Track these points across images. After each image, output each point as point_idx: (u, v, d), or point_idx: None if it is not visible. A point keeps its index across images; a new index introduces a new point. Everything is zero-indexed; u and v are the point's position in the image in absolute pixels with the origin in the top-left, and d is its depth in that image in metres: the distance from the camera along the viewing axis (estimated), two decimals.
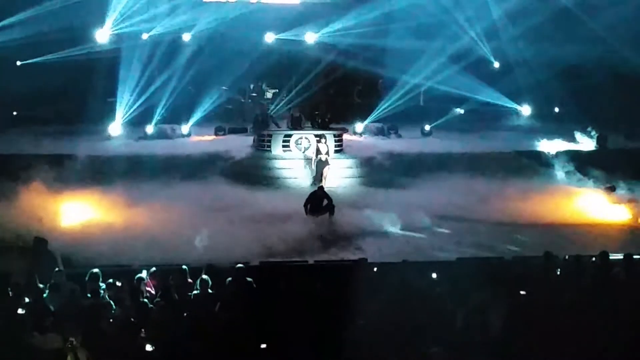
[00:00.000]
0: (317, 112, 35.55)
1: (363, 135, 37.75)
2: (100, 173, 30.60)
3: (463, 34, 39.24)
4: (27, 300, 16.86)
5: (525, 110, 41.01)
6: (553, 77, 37.87)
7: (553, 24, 38.39)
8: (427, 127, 38.87)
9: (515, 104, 40.59)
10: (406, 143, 36.30)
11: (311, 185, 30.22)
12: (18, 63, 37.60)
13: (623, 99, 37.12)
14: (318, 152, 31.13)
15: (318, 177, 30.63)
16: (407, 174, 31.56)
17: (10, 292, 17.06)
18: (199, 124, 37.81)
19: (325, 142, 31.24)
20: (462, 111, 40.51)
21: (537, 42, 38.32)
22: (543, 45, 38.20)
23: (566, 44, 36.83)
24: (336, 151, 33.15)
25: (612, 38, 35.84)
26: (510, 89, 38.92)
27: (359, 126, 38.12)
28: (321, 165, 30.79)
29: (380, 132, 38.24)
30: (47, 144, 33.30)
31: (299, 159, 32.52)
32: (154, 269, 19.08)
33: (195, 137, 36.62)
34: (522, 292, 17.76)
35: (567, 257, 19.87)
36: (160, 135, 36.39)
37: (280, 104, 39.50)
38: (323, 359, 14.23)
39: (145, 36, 38.59)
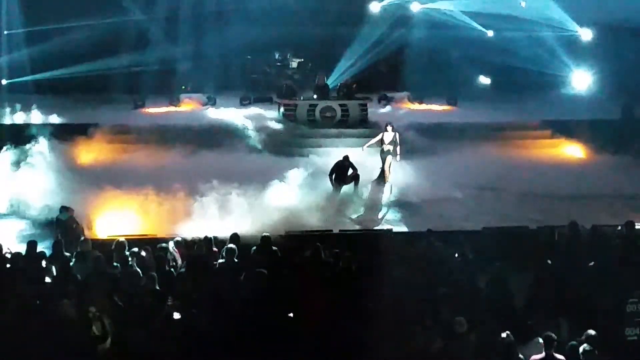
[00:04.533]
0: (342, 82, 35.36)
1: (387, 106, 37.57)
2: (127, 143, 30.81)
3: None
4: (53, 269, 17.02)
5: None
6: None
7: None
8: (453, 96, 38.60)
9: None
10: (431, 113, 36.20)
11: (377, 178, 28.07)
12: None
13: None
14: (382, 141, 27.92)
15: (382, 169, 27.90)
16: (432, 144, 31.34)
17: (37, 261, 17.22)
18: (224, 92, 37.81)
19: (391, 130, 27.92)
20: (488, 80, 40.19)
21: None
22: None
23: None
24: (361, 121, 33.12)
25: None
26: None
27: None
28: (384, 155, 27.79)
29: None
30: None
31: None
32: (178, 238, 19.19)
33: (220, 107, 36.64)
34: (547, 262, 17.76)
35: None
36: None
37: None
38: (348, 328, 14.24)
39: None
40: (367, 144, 28.31)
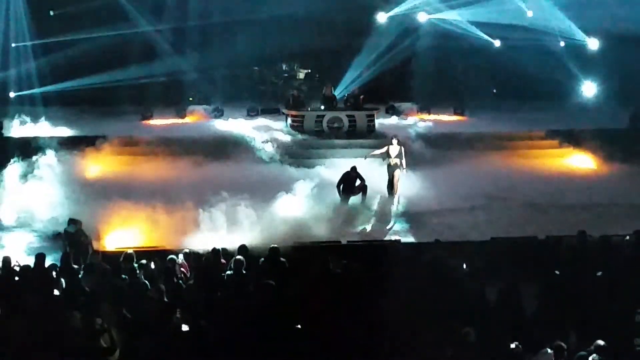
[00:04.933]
0: (349, 93, 35.38)
1: (394, 116, 37.59)
2: (134, 154, 30.88)
3: None
4: (62, 281, 17.03)
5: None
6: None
7: None
8: (460, 106, 38.67)
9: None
10: (439, 123, 36.23)
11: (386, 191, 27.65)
12: None
13: None
14: (388, 155, 27.52)
15: (388, 182, 27.39)
16: (439, 154, 31.31)
17: (46, 274, 17.24)
18: (232, 104, 37.85)
19: (397, 144, 27.57)
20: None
21: None
22: None
23: None
24: (368, 131, 33.14)
25: None
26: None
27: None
28: (391, 169, 27.34)
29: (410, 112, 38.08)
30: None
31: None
32: (187, 250, 19.22)
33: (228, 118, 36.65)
34: (556, 272, 17.73)
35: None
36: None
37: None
38: (357, 339, 14.23)
39: None
40: (370, 154, 28.22)
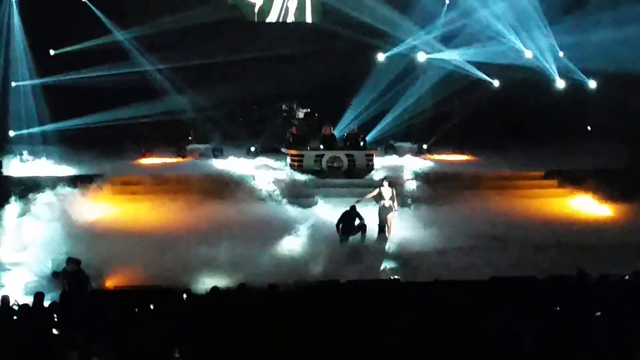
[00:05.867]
0: (348, 132, 35.45)
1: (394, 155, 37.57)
2: (133, 193, 30.90)
3: None
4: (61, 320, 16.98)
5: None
6: None
7: None
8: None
9: None
10: (437, 162, 36.25)
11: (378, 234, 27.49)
12: None
13: None
14: (381, 197, 27.57)
15: (381, 225, 27.29)
16: (437, 193, 31.31)
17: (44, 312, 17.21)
18: (231, 143, 37.90)
19: (388, 186, 27.77)
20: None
21: None
22: None
23: None
24: (367, 171, 33.24)
25: None
26: None
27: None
28: (384, 212, 27.31)
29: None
30: None
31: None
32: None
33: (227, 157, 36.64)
34: (556, 309, 17.69)
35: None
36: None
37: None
38: None
39: None
40: (363, 198, 28.06)
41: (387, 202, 27.31)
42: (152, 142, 37.03)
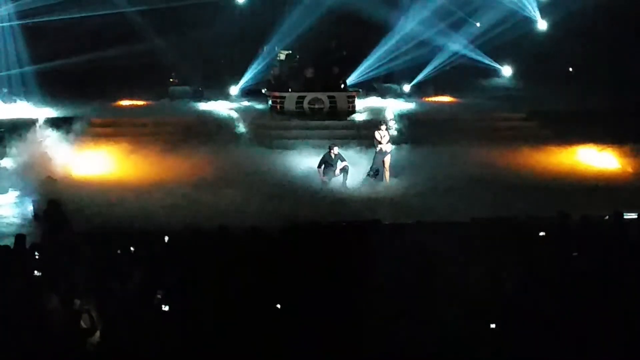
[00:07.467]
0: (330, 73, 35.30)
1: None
2: (115, 135, 30.75)
3: None
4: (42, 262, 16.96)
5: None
6: None
7: None
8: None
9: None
10: (419, 104, 36.13)
11: (367, 176, 27.39)
12: None
13: None
14: (378, 141, 27.28)
15: (376, 168, 27.18)
16: (421, 135, 31.28)
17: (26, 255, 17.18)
18: (212, 85, 37.73)
19: (385, 129, 27.77)
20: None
21: None
22: None
23: None
24: (348, 113, 33.14)
25: None
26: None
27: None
28: (381, 156, 27.17)
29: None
30: None
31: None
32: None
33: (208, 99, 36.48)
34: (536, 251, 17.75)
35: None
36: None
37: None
38: (334, 321, 14.21)
39: None
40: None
41: (384, 147, 27.18)
42: (133, 85, 36.72)
